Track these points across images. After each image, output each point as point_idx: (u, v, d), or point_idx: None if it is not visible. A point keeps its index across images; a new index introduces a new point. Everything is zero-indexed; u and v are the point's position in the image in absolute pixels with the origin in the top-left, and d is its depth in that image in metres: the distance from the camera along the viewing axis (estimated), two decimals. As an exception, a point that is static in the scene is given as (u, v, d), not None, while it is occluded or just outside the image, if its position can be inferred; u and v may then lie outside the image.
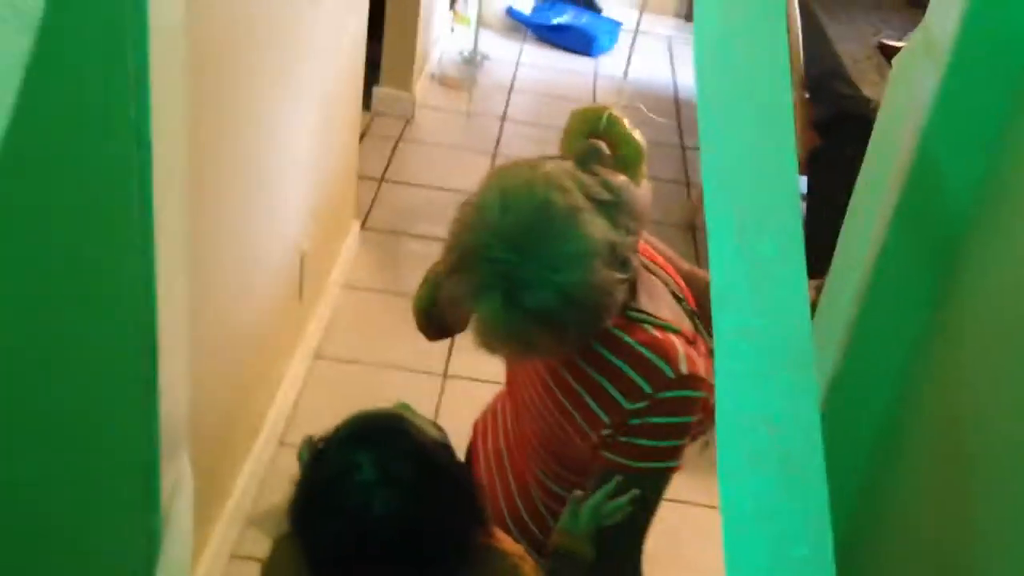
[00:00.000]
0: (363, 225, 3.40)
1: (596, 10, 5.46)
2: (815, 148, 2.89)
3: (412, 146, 4.03)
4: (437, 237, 3.45)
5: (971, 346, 0.96)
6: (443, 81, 4.57)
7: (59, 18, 0.98)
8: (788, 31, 0.98)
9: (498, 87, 4.67)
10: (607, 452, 1.30)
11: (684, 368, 1.27)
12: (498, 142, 4.16)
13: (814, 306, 1.22)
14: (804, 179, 2.94)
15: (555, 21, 5.21)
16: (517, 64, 4.98)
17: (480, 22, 4.79)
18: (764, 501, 0.61)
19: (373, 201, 3.58)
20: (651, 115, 4.41)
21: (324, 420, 1.18)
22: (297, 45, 2.17)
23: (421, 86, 4.32)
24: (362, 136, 3.33)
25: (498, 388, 1.67)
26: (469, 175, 3.77)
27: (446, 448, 1.19)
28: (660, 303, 1.37)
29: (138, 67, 1.10)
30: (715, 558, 2.26)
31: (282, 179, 2.20)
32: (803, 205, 2.88)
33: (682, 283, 1.48)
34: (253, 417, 2.26)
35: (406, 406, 1.26)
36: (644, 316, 1.30)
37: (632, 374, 1.27)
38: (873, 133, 1.14)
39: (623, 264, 1.22)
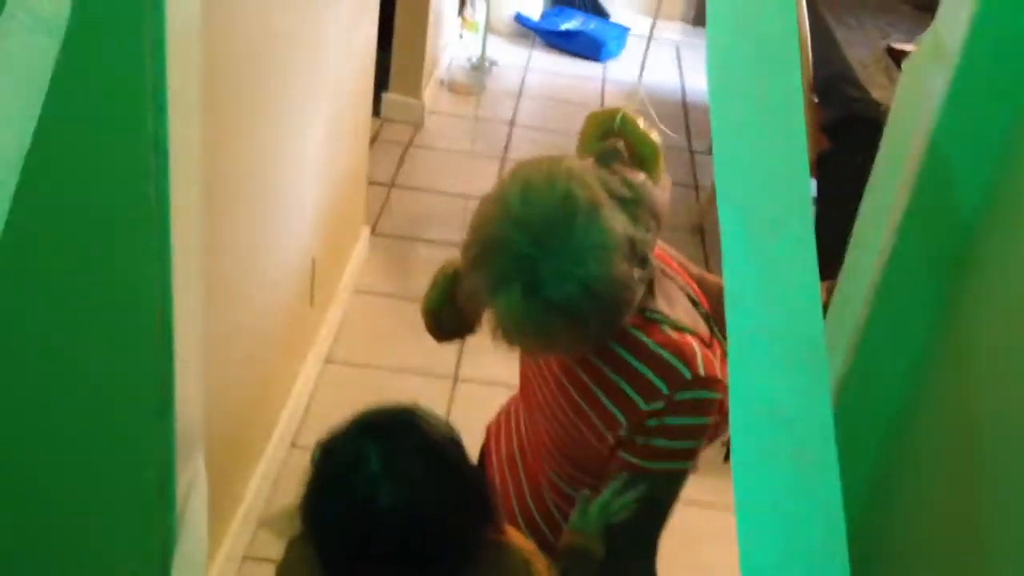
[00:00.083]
0: (373, 230, 3.41)
1: (604, 16, 5.48)
2: (824, 152, 2.90)
3: (421, 152, 4.05)
4: (447, 242, 3.50)
5: (981, 348, 0.96)
6: (452, 87, 4.59)
7: (76, 24, 1.00)
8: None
9: (507, 93, 4.68)
10: (623, 453, 1.30)
11: (701, 369, 1.28)
12: (507, 147, 4.17)
13: (825, 308, 1.23)
14: (813, 182, 2.94)
15: (563, 27, 5.23)
16: (526, 70, 4.99)
17: (488, 28, 4.81)
18: (777, 494, 0.62)
19: (383, 207, 3.60)
20: (658, 121, 4.42)
21: (335, 423, 1.18)
22: (309, 52, 2.19)
23: (430, 92, 4.34)
24: (372, 142, 3.34)
25: (509, 391, 1.68)
26: (478, 180, 3.81)
27: (456, 443, 1.19)
28: (677, 306, 1.37)
29: (156, 74, 1.11)
30: (731, 559, 2.26)
31: (293, 185, 2.21)
32: (813, 209, 2.88)
33: (696, 287, 1.49)
34: (266, 420, 2.28)
35: (417, 407, 1.26)
36: (662, 317, 1.31)
37: (649, 374, 1.27)
38: (883, 136, 1.15)
39: (642, 261, 1.23)
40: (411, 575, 1.14)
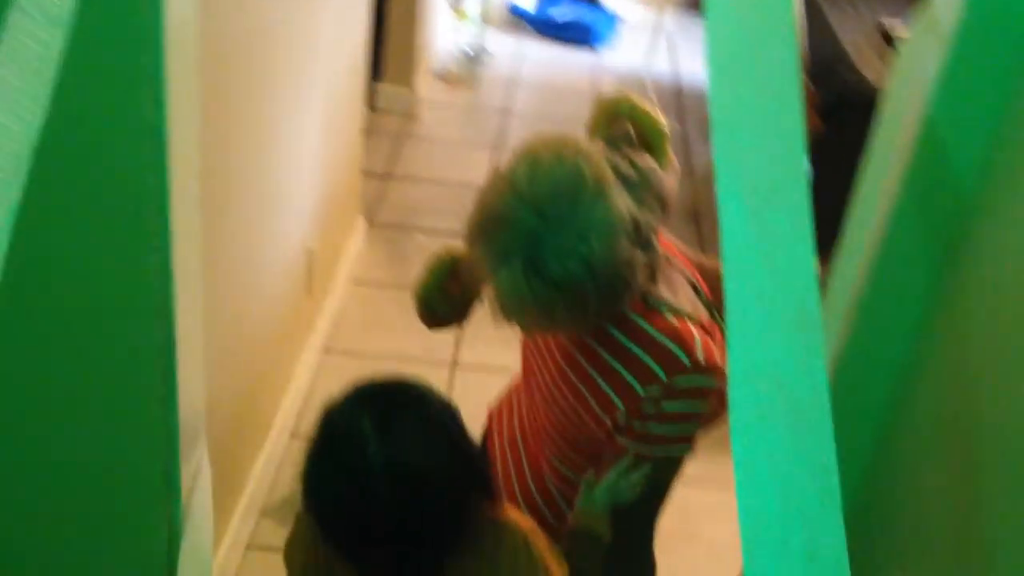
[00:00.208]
0: (369, 221, 3.42)
1: (595, 3, 5.47)
2: (819, 134, 2.90)
3: (416, 142, 4.05)
4: (443, 231, 3.50)
5: (976, 322, 0.98)
6: (445, 77, 4.59)
7: (76, 16, 1.00)
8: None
9: (500, 82, 4.68)
10: (621, 437, 1.31)
11: (700, 356, 1.28)
12: (502, 136, 4.17)
13: (821, 287, 1.24)
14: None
15: (557, 17, 5.23)
16: (519, 58, 4.99)
17: (482, 17, 4.80)
18: (775, 456, 0.64)
19: (379, 197, 3.60)
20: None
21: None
22: (302, 44, 2.19)
23: (424, 82, 4.34)
24: (366, 133, 3.35)
25: (508, 377, 1.69)
26: (474, 169, 3.81)
27: (453, 414, 1.18)
28: (679, 292, 1.37)
29: (154, 66, 1.11)
30: (728, 535, 2.29)
31: (289, 176, 2.22)
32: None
33: (697, 273, 1.49)
34: (266, 411, 2.29)
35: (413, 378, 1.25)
36: (663, 303, 1.31)
37: (648, 360, 1.28)
38: (879, 114, 1.16)
39: (646, 244, 1.23)
40: (408, 546, 1.14)
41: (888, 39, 3.11)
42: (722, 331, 1.43)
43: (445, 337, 2.80)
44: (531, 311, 1.21)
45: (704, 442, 1.41)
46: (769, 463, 0.65)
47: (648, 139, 1.43)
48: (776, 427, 0.65)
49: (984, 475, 0.90)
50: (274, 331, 2.26)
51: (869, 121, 1.19)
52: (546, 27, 5.24)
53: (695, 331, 1.30)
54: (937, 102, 1.00)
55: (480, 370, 2.76)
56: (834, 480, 0.65)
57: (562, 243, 1.15)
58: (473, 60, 4.71)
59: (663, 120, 1.48)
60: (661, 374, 1.27)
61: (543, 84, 4.76)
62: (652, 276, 1.30)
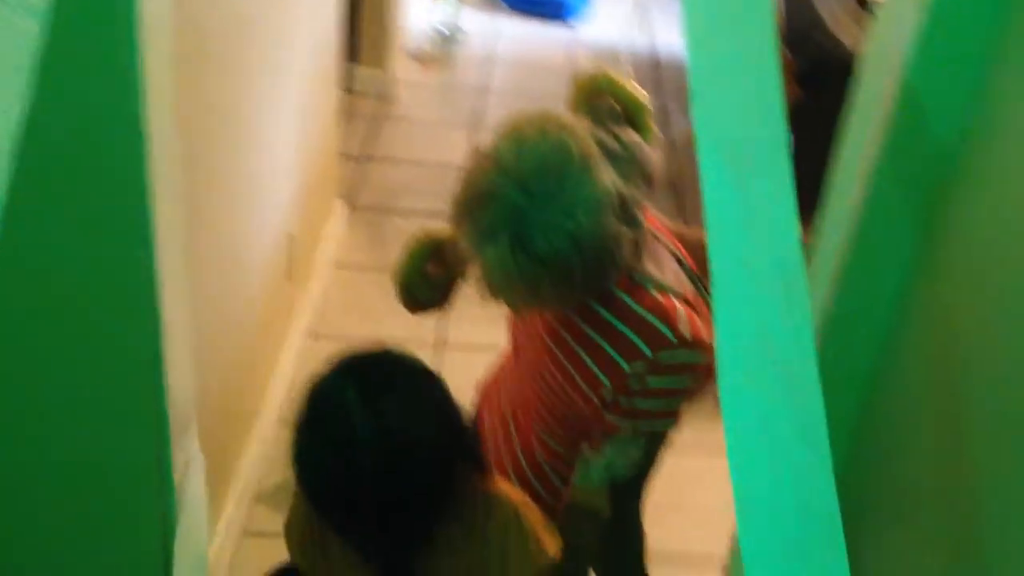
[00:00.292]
0: (349, 204, 3.40)
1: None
2: (797, 101, 2.91)
3: (394, 124, 4.04)
4: (424, 212, 3.49)
5: (958, 284, 0.99)
6: (421, 57, 4.56)
7: (53, 8, 0.99)
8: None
9: (477, 60, 4.66)
10: (608, 413, 1.32)
11: (685, 331, 1.28)
12: (479, 115, 4.16)
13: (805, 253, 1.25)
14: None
15: (530, -7, 5.20)
16: (494, 36, 4.97)
17: (455, -4, 4.78)
18: (764, 411, 0.65)
19: (358, 180, 3.59)
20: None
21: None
22: (276, 28, 2.18)
23: (399, 63, 4.31)
24: (343, 116, 3.33)
25: (495, 355, 1.69)
26: (453, 150, 3.80)
27: (437, 382, 1.19)
28: (664, 268, 1.37)
29: (130, 56, 1.11)
30: (716, 501, 2.31)
31: (267, 163, 2.21)
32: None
33: (682, 247, 1.50)
34: (253, 398, 2.29)
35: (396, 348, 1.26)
36: (648, 279, 1.31)
37: (633, 337, 1.28)
38: (857, 79, 1.16)
39: (632, 219, 1.23)
40: (397, 517, 1.15)
41: (864, 4, 3.11)
42: (707, 304, 1.44)
43: (429, 317, 2.79)
44: (518, 288, 1.21)
45: (689, 409, 1.42)
46: (759, 426, 0.66)
47: (630, 114, 1.43)
48: (765, 390, 0.66)
49: (968, 433, 0.92)
50: (258, 318, 2.25)
51: (847, 87, 1.19)
52: (520, 3, 5.21)
53: (680, 306, 1.30)
54: (914, 67, 1.00)
55: (466, 349, 2.77)
56: (824, 440, 0.66)
57: (548, 219, 1.15)
58: (448, 39, 4.68)
59: (643, 94, 1.48)
60: (646, 350, 1.27)
61: (519, 61, 4.75)
62: (638, 251, 1.30)
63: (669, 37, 5.06)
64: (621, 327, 1.29)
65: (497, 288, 1.22)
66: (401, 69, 4.32)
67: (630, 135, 1.28)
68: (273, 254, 2.34)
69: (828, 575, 0.62)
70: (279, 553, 1.46)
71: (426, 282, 1.56)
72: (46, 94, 1.08)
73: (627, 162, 1.23)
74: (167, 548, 1.39)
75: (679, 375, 1.30)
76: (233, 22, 1.82)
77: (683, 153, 3.70)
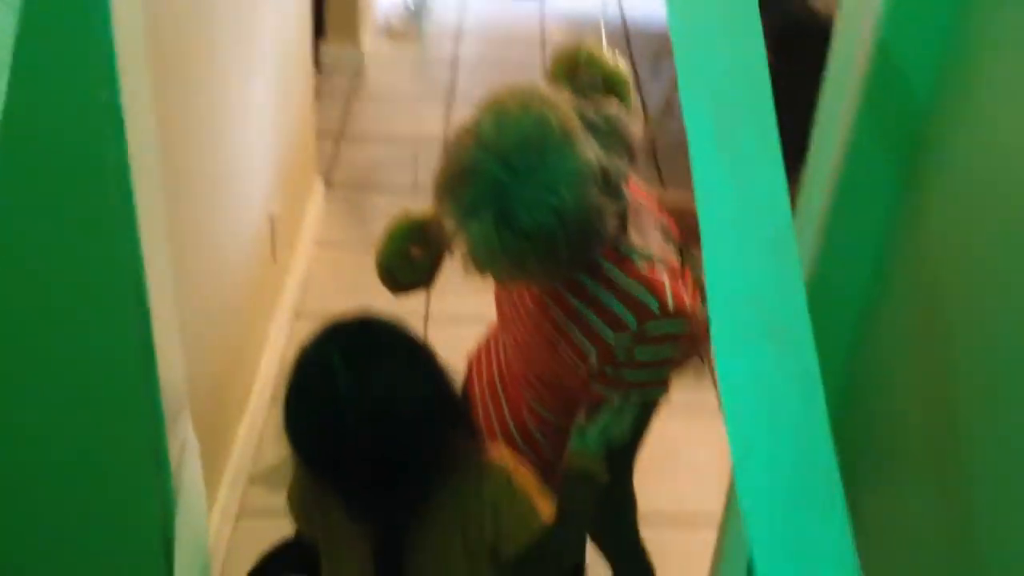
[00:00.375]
0: (327, 183, 3.39)
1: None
2: (768, 66, 2.92)
3: (366, 100, 4.02)
4: (402, 187, 3.47)
5: (939, 232, 1.00)
6: (390, 32, 4.53)
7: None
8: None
9: (446, 34, 4.64)
10: (595, 384, 1.32)
11: (670, 302, 1.28)
12: (452, 88, 4.14)
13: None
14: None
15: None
16: (461, 7, 4.94)
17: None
18: (759, 371, 0.66)
19: (334, 159, 3.58)
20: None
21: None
22: (248, 7, 2.16)
23: (368, 40, 4.29)
24: (315, 94, 3.31)
25: (481, 326, 1.70)
26: (427, 124, 3.79)
27: (421, 344, 1.20)
28: (649, 238, 1.37)
29: (104, 43, 1.10)
30: (708, 460, 2.34)
31: (246, 145, 2.20)
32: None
33: (668, 217, 1.50)
34: (243, 380, 2.29)
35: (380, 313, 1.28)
36: (633, 250, 1.31)
37: (619, 308, 1.28)
38: (833, 37, 1.17)
39: (616, 192, 1.22)
40: (388, 480, 1.16)
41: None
42: (693, 273, 1.45)
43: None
44: (503, 263, 1.21)
45: (677, 375, 1.44)
46: (755, 384, 0.67)
47: (609, 86, 1.43)
48: (759, 349, 0.67)
49: (954, 379, 0.94)
50: (244, 300, 2.25)
51: (818, 48, 1.19)
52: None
53: (665, 277, 1.31)
54: (888, 22, 1.01)
55: (452, 321, 2.77)
56: (820, 395, 0.67)
57: (531, 194, 1.15)
58: (416, 13, 4.65)
59: (623, 66, 1.48)
60: (632, 322, 1.28)
61: (488, 32, 4.72)
62: (622, 223, 1.30)
63: (638, 4, 5.05)
64: (607, 298, 1.29)
65: (482, 264, 1.22)
66: (370, 44, 4.30)
67: (611, 107, 1.28)
68: (257, 236, 2.34)
69: (829, 528, 0.63)
70: (274, 533, 1.47)
71: (408, 264, 1.55)
72: (17, 81, 1.08)
73: (608, 134, 1.23)
74: (167, 533, 1.40)
75: (665, 345, 1.31)
76: (205, 3, 1.80)
77: (657, 118, 3.70)
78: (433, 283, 1.59)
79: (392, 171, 3.53)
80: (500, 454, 1.30)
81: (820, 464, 0.66)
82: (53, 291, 1.23)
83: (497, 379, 1.56)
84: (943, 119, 1.01)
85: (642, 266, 1.30)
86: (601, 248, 1.27)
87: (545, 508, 1.25)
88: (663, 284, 1.30)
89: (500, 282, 1.39)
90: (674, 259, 1.40)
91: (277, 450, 2.30)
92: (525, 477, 1.27)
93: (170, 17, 1.57)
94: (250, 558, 1.45)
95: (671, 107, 3.63)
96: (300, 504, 1.31)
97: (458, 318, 2.74)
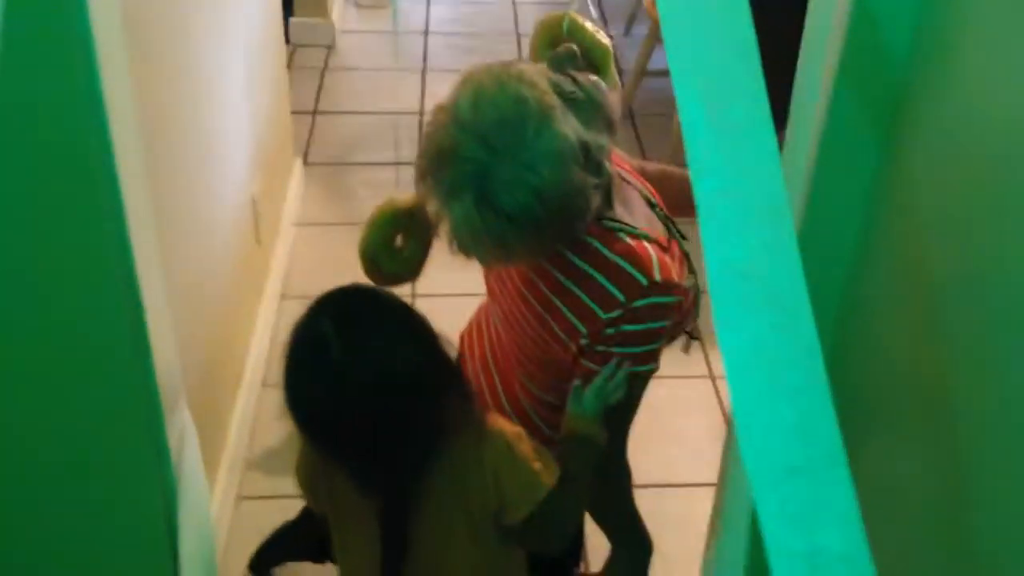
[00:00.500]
0: (305, 160, 3.37)
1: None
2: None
3: (339, 74, 3.97)
4: (381, 162, 3.45)
5: (922, 186, 1.01)
6: (359, 3, 4.48)
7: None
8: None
9: (416, 1, 4.58)
10: (586, 361, 1.32)
11: (658, 275, 1.28)
12: (425, 57, 4.11)
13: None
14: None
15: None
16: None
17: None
18: (759, 342, 0.66)
19: (310, 135, 3.55)
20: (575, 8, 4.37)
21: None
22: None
23: (338, 11, 4.24)
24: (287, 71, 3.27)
25: (468, 301, 1.70)
26: (402, 95, 3.76)
27: (411, 310, 1.23)
28: (635, 211, 1.37)
29: (81, 29, 1.08)
30: (700, 428, 2.35)
31: (223, 127, 2.18)
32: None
33: (652, 188, 1.49)
34: (234, 365, 2.29)
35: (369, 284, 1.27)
36: (619, 225, 1.31)
37: (607, 284, 1.28)
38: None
39: (598, 167, 1.22)
40: (387, 441, 1.18)
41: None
42: (680, 245, 1.45)
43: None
44: (486, 244, 1.20)
45: (666, 346, 1.44)
46: (756, 351, 0.68)
47: (591, 57, 1.42)
48: (758, 318, 0.68)
49: (940, 335, 0.95)
50: (231, 285, 2.24)
51: (791, 9, 1.19)
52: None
53: (652, 251, 1.30)
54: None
55: (439, 297, 2.77)
56: (819, 363, 0.68)
57: (511, 174, 1.14)
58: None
59: (604, 38, 1.47)
60: (621, 297, 1.28)
61: (459, -1, 4.68)
62: (607, 198, 1.29)
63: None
64: (595, 275, 1.29)
65: (466, 245, 1.22)
66: (339, 17, 4.25)
67: (591, 80, 1.27)
68: (240, 219, 2.32)
69: (836, 492, 0.64)
70: (274, 517, 1.48)
71: (393, 253, 1.55)
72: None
73: (588, 108, 1.22)
74: (171, 521, 1.40)
75: (654, 319, 1.31)
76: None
77: (633, 81, 3.69)
78: (419, 274, 1.58)
79: (370, 146, 3.51)
80: (499, 421, 1.32)
81: (823, 430, 0.67)
82: (44, 286, 1.22)
83: (489, 355, 1.56)
84: (922, 81, 1.02)
85: (629, 241, 1.30)
86: (585, 225, 1.26)
87: (546, 474, 1.27)
88: (650, 258, 1.29)
89: (486, 264, 1.39)
90: (661, 232, 1.40)
91: (272, 433, 2.32)
92: (525, 443, 1.28)
93: (144, 1, 1.55)
94: (251, 542, 1.46)
95: (644, 69, 3.61)
96: (307, 479, 1.34)
97: (445, 294, 2.74)
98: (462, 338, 1.67)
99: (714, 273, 0.69)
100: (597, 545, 1.80)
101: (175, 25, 1.77)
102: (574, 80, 1.24)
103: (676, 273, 1.33)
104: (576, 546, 1.70)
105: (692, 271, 1.47)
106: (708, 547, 1.73)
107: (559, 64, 1.28)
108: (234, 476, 2.16)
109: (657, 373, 1.38)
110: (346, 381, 1.15)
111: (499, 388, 1.53)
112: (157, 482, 1.37)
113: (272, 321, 2.62)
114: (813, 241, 1.14)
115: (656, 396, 1.49)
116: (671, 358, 1.48)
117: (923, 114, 1.02)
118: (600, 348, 1.30)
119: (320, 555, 1.45)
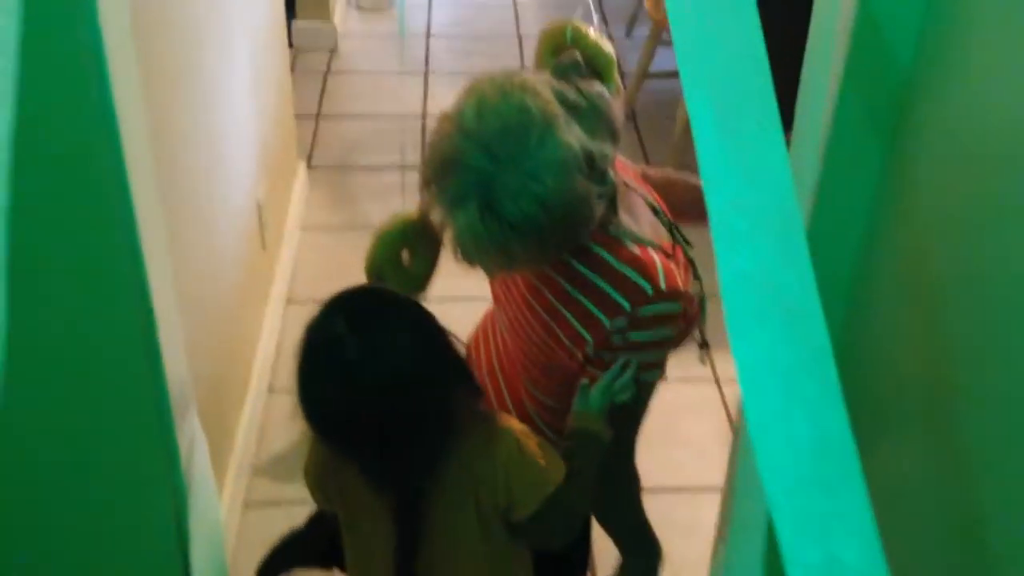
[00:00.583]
0: (309, 164, 3.37)
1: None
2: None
3: (342, 77, 3.98)
4: (384, 165, 3.45)
5: (926, 188, 1.02)
6: (360, 6, 4.48)
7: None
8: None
9: (416, 4, 4.59)
10: (592, 368, 1.32)
11: (664, 283, 1.28)
12: (427, 60, 4.11)
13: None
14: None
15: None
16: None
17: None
18: (773, 352, 0.67)
19: (313, 139, 3.55)
20: (575, 12, 4.37)
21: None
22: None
23: (339, 15, 4.24)
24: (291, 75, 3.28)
25: (473, 306, 1.70)
26: (405, 98, 3.76)
27: (424, 311, 1.23)
28: (640, 218, 1.37)
29: (92, 38, 1.09)
30: (707, 431, 2.35)
31: (229, 133, 2.18)
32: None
33: (657, 195, 1.50)
34: (240, 371, 2.29)
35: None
36: (624, 232, 1.31)
37: (612, 292, 1.28)
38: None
39: (601, 176, 1.22)
40: (398, 438, 1.19)
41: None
42: (685, 251, 1.45)
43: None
44: (490, 252, 1.21)
45: (673, 354, 1.44)
46: (769, 359, 0.68)
47: (595, 65, 1.42)
48: (772, 328, 0.68)
49: (946, 335, 0.96)
50: (237, 290, 2.24)
51: (794, 11, 1.19)
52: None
53: (657, 258, 1.30)
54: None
55: (444, 302, 2.78)
56: (832, 371, 0.68)
57: (515, 183, 1.15)
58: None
59: (608, 46, 1.47)
60: (626, 305, 1.28)
61: (460, 1, 4.68)
62: (612, 206, 1.29)
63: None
64: (600, 282, 1.29)
65: (470, 254, 1.22)
66: (341, 20, 4.25)
67: (595, 88, 1.27)
68: (246, 224, 2.33)
69: (851, 505, 0.64)
70: (282, 522, 1.48)
71: (400, 269, 1.55)
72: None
73: (592, 116, 1.22)
74: (182, 528, 1.41)
75: (660, 327, 1.31)
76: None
77: (636, 83, 3.69)
78: (426, 289, 1.58)
79: (372, 149, 3.51)
80: (508, 419, 1.32)
81: (838, 440, 0.67)
82: (57, 297, 1.23)
83: (495, 361, 1.56)
84: (926, 83, 1.02)
85: (634, 248, 1.30)
86: (590, 233, 1.26)
87: (553, 471, 1.27)
88: (655, 265, 1.29)
89: (490, 272, 1.39)
90: (666, 239, 1.40)
91: (279, 439, 2.32)
92: (533, 441, 1.29)
93: (152, 8, 1.55)
94: (259, 548, 1.46)
95: (646, 71, 3.62)
96: (317, 479, 1.34)
97: (451, 298, 2.74)
98: (469, 344, 1.67)
99: (727, 284, 0.69)
100: (603, 550, 1.80)
101: (180, 30, 1.77)
102: (578, 89, 1.24)
103: (681, 280, 1.33)
104: (584, 554, 1.70)
105: (697, 277, 1.47)
106: (715, 553, 1.73)
107: (563, 73, 1.28)
108: (241, 482, 2.17)
109: (669, 379, 1.38)
110: (361, 381, 1.15)
111: (505, 393, 1.53)
112: (168, 489, 1.37)
113: (278, 326, 2.62)
114: (818, 243, 1.14)
115: (661, 399, 1.49)
116: (676, 360, 1.49)
117: (928, 117, 1.02)
118: (607, 356, 1.31)
119: (327, 562, 1.46)
